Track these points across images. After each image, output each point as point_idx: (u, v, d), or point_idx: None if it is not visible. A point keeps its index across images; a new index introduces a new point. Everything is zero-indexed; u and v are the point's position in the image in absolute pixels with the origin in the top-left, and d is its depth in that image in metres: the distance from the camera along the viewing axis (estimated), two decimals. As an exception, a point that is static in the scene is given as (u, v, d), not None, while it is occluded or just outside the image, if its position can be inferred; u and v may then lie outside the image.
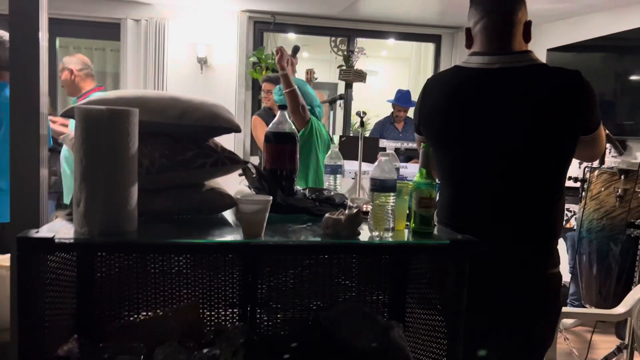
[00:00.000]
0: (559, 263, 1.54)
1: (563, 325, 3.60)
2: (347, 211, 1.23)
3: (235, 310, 1.58)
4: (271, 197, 1.21)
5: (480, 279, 1.48)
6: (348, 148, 3.61)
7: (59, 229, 1.18)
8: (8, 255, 1.64)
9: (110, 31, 5.11)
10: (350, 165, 4.27)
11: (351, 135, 5.54)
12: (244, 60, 5.27)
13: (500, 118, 1.45)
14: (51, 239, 1.08)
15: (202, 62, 5.14)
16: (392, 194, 1.23)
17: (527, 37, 1.54)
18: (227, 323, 1.58)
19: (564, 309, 2.13)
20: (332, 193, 1.55)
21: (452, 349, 1.33)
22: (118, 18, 5.02)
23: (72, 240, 1.10)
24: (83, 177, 1.11)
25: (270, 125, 1.52)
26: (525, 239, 1.49)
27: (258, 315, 1.60)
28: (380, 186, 1.23)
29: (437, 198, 1.58)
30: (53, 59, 4.96)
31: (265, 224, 1.20)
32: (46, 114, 1.42)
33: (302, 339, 1.49)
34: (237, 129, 1.40)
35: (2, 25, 2.64)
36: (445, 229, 1.39)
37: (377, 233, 1.23)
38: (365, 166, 3.39)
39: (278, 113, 1.52)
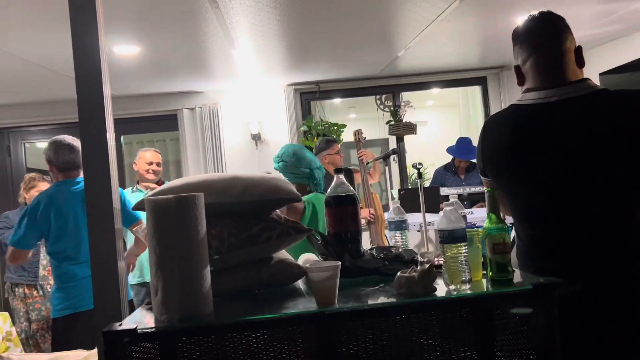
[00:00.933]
0: None
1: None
2: (419, 268, 1.20)
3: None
4: (339, 263, 1.20)
5: (581, 317, 1.40)
6: (408, 201, 3.57)
7: (140, 319, 1.21)
8: (95, 351, 1.69)
9: (169, 122, 5.43)
10: (413, 218, 4.20)
11: (409, 187, 5.50)
12: (295, 131, 5.42)
13: (567, 150, 1.40)
14: (134, 330, 1.10)
15: (256, 138, 5.34)
16: (463, 243, 1.20)
17: (580, 63, 1.50)
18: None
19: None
20: (399, 250, 1.52)
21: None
22: (174, 109, 5.34)
23: (153, 329, 1.12)
24: (158, 266, 1.15)
25: (329, 189, 1.53)
26: (613, 268, 1.39)
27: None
28: (449, 237, 1.20)
29: (514, 240, 1.52)
30: (120, 155, 5.29)
31: (337, 291, 1.18)
32: (119, 209, 1.51)
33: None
34: (297, 199, 1.43)
35: (71, 131, 2.89)
36: (525, 273, 1.33)
37: (453, 287, 1.19)
38: (429, 217, 3.32)
39: (335, 177, 1.54)
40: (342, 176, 1.54)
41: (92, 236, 1.45)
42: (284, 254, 1.50)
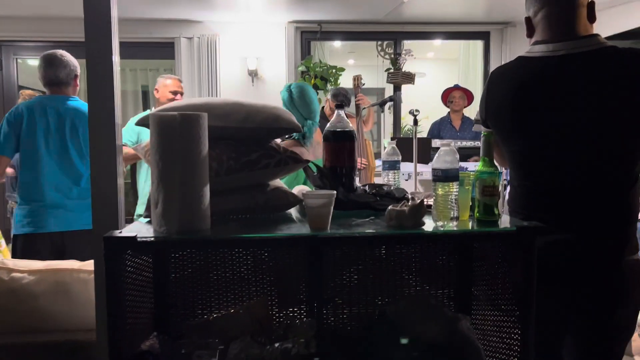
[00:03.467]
0: (637, 250, 1.50)
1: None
2: (409, 203, 1.25)
3: (302, 306, 1.63)
4: (335, 192, 1.24)
5: (556, 268, 1.47)
6: (400, 150, 3.62)
7: (139, 229, 1.26)
8: (91, 261, 1.75)
9: (164, 50, 5.34)
10: (404, 168, 4.26)
11: (402, 137, 5.53)
12: (293, 70, 5.37)
13: (573, 105, 1.43)
14: (134, 238, 1.15)
15: (253, 74, 5.28)
16: (454, 183, 1.24)
17: (591, 18, 1.51)
18: (295, 319, 1.62)
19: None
20: (391, 188, 1.57)
21: (524, 340, 1.31)
22: (172, 37, 5.24)
23: (152, 239, 1.17)
24: (160, 179, 1.18)
25: (328, 124, 1.56)
26: (602, 226, 1.46)
27: (324, 311, 1.63)
28: (442, 176, 1.24)
29: (507, 188, 1.57)
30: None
31: (330, 218, 1.23)
32: (120, 125, 1.53)
33: (369, 333, 1.51)
34: (298, 129, 1.45)
35: (74, 51, 2.82)
36: (511, 218, 1.39)
37: (441, 223, 1.25)
38: (420, 167, 3.37)
39: (335, 113, 1.56)
40: (342, 112, 1.56)
41: (93, 150, 1.48)
42: (280, 182, 1.54)
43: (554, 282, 1.50)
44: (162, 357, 1.39)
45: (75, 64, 2.72)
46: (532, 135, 1.51)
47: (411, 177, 3.36)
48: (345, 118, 1.56)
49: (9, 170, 2.88)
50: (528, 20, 1.58)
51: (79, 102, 2.71)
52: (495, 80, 1.61)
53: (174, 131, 1.17)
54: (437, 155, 1.27)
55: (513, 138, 1.57)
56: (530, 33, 1.57)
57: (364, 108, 4.11)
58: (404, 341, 1.39)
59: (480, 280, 1.59)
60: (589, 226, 1.47)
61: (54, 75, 2.64)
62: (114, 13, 1.47)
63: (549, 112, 1.47)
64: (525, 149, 1.55)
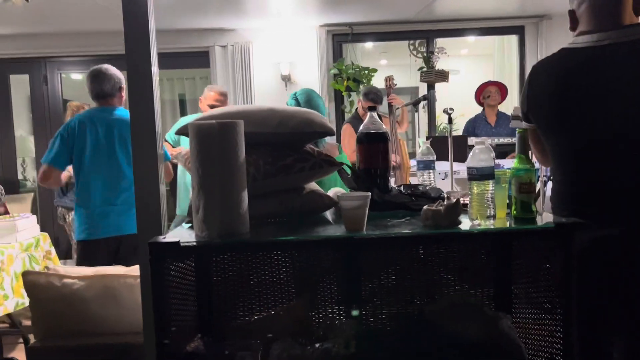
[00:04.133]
0: None
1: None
2: (445, 202, 1.26)
3: (341, 307, 1.65)
4: (370, 193, 1.26)
5: (605, 265, 1.45)
6: (436, 149, 3.59)
7: (182, 234, 1.31)
8: (136, 267, 1.82)
9: (200, 59, 5.46)
10: (440, 167, 4.21)
11: (437, 135, 5.48)
12: (325, 73, 5.40)
13: (619, 95, 1.40)
14: (177, 243, 1.20)
15: (286, 79, 5.34)
16: (490, 181, 1.24)
17: (637, 9, 1.48)
18: (335, 320, 1.65)
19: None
20: (427, 188, 1.58)
21: (566, 339, 1.29)
22: (206, 46, 5.36)
23: (194, 243, 1.21)
24: (200, 186, 1.23)
25: (361, 127, 1.58)
26: None
27: (363, 312, 1.65)
28: (478, 174, 1.24)
29: (547, 185, 1.54)
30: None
31: (366, 219, 1.25)
32: (161, 134, 1.58)
33: (408, 333, 1.52)
34: (331, 132, 1.48)
35: (117, 63, 2.93)
36: (550, 214, 1.37)
37: (477, 221, 1.24)
38: (456, 166, 3.34)
39: (367, 115, 1.58)
40: (375, 114, 1.57)
41: (136, 158, 1.53)
42: (315, 185, 1.57)
43: (603, 279, 1.47)
44: (207, 358, 1.44)
45: (120, 76, 2.84)
46: (577, 128, 1.48)
47: (447, 177, 3.33)
48: (378, 119, 1.58)
49: (64, 175, 3.01)
50: (572, 13, 1.56)
51: (125, 112, 2.83)
52: (537, 73, 1.59)
53: (212, 139, 1.21)
54: (471, 153, 1.27)
55: (556, 131, 1.54)
56: (574, 26, 1.55)
57: (397, 108, 4.10)
58: (443, 341, 1.39)
59: (520, 278, 1.57)
60: (636, 221, 1.43)
61: (100, 88, 2.78)
62: (152, 26, 1.53)
63: (594, 104, 1.44)
64: (569, 143, 1.52)
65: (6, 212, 4.00)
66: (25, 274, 1.75)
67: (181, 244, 1.20)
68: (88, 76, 2.82)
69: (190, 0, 4.28)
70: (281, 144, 1.47)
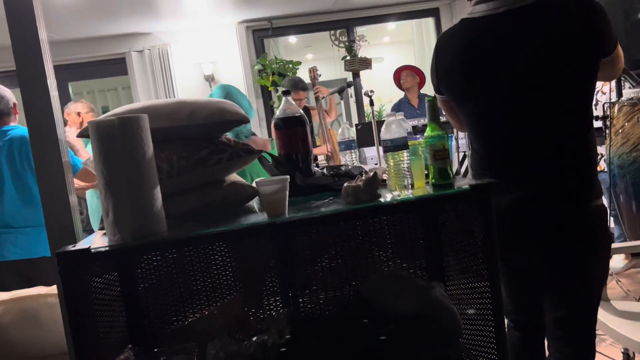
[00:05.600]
0: (601, 194, 1.52)
1: (614, 270, 3.52)
2: (364, 177, 1.25)
3: (277, 298, 1.62)
4: (288, 176, 1.23)
5: (525, 223, 1.49)
6: (365, 135, 3.61)
7: (94, 241, 1.23)
8: (54, 287, 1.71)
9: (117, 67, 5.25)
10: (369, 152, 4.26)
11: (365, 122, 5.54)
12: (249, 70, 5.34)
13: (520, 60, 1.44)
14: (87, 249, 1.12)
15: (210, 79, 5.23)
16: (404, 151, 1.25)
17: None
18: (272, 312, 1.61)
19: (613, 245, 2.09)
20: (349, 167, 1.57)
21: (494, 299, 1.32)
22: (122, 52, 5.16)
23: (107, 248, 1.14)
24: (107, 187, 1.16)
25: (277, 112, 1.55)
26: (565, 173, 1.48)
27: (300, 300, 1.63)
28: (392, 146, 1.24)
29: (470, 153, 1.56)
30: (67, 102, 5.11)
31: (287, 203, 1.22)
32: (65, 142, 1.49)
33: (346, 314, 1.51)
34: (244, 120, 1.44)
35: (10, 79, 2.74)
36: (466, 178, 1.40)
37: (396, 192, 1.25)
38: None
39: (283, 100, 1.55)
40: (289, 98, 1.55)
41: (39, 171, 1.43)
42: (236, 177, 1.52)
43: (525, 238, 1.52)
44: (139, 368, 1.37)
45: (10, 94, 2.66)
46: (485, 95, 1.52)
47: (374, 160, 3.37)
48: (294, 103, 1.55)
49: None
50: None
51: (22, 128, 2.64)
52: (442, 46, 1.62)
53: (113, 136, 1.14)
54: (383, 127, 1.27)
55: (466, 101, 1.57)
56: None
57: (323, 98, 4.10)
58: (379, 316, 1.39)
59: (448, 246, 1.60)
60: (552, 177, 1.48)
61: None
62: (42, 35, 1.42)
63: (498, 70, 1.48)
64: (479, 110, 1.56)
65: None
66: None
67: (92, 250, 1.13)
68: None
69: (101, 6, 4.10)
70: (195, 137, 1.41)
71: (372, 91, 2.56)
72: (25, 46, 1.39)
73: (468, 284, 1.49)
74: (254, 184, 1.53)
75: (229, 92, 2.58)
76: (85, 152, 3.04)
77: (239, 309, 1.58)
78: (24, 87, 1.42)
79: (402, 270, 1.62)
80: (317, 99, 4.10)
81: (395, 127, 1.24)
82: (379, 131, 2.98)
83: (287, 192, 1.22)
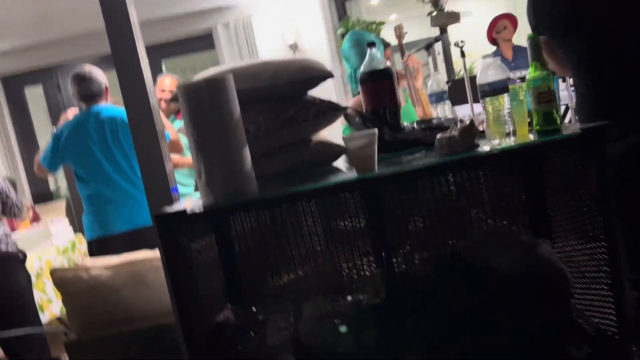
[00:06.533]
0: None
1: None
2: (459, 126, 1.16)
3: (370, 258, 1.58)
4: (376, 130, 1.18)
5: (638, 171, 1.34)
6: (456, 92, 3.43)
7: (189, 203, 1.26)
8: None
9: (204, 42, 5.40)
10: (460, 110, 4.04)
11: (456, 79, 5.29)
12: (332, 36, 5.26)
13: None
14: (183, 211, 1.15)
15: (294, 47, 5.21)
16: (504, 95, 1.14)
17: None
18: (365, 271, 1.59)
19: None
20: (441, 120, 1.48)
21: (612, 258, 1.19)
22: (209, 27, 5.28)
23: (201, 209, 1.16)
24: (198, 149, 1.17)
25: (362, 67, 1.48)
26: None
27: (394, 260, 1.58)
28: (489, 90, 1.14)
29: (574, 104, 1.43)
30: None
31: (375, 158, 1.17)
32: (158, 110, 1.53)
33: (442, 274, 1.44)
34: (329, 75, 1.39)
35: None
36: (575, 124, 1.26)
37: (496, 141, 1.15)
38: (477, 107, 3.19)
39: (367, 51, 1.48)
40: (374, 49, 1.48)
41: (137, 141, 1.49)
42: (323, 135, 1.49)
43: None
44: (238, 326, 1.40)
45: (102, 78, 2.78)
46: (589, 32, 1.36)
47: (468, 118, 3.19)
48: (378, 56, 1.48)
49: None
50: None
51: (113, 109, 2.77)
52: None
53: (202, 98, 1.15)
54: (479, 70, 1.16)
55: (571, 39, 1.42)
56: None
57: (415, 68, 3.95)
58: (479, 277, 1.31)
59: (555, 202, 1.47)
60: None
61: (89, 89, 2.72)
62: (133, 14, 1.45)
63: (602, 6, 1.32)
64: (586, 49, 1.40)
65: (36, 218, 4.08)
66: (53, 272, 1.75)
67: (188, 212, 1.15)
68: (73, 79, 2.75)
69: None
70: (280, 97, 1.39)
71: (462, 41, 2.39)
72: (118, 28, 1.43)
73: (579, 243, 1.36)
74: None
75: (358, 38, 2.60)
76: (170, 125, 3.13)
77: (333, 269, 1.57)
78: (119, 66, 1.46)
79: (504, 227, 1.51)
80: (406, 68, 3.95)
81: (493, 70, 1.14)
82: (472, 87, 2.81)
83: (376, 147, 1.17)
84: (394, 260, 1.58)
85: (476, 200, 1.52)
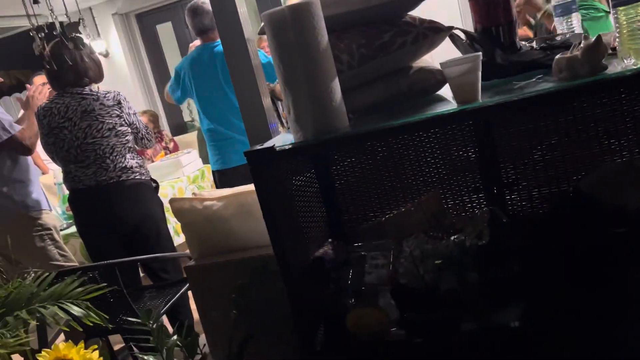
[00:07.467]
0: None
1: None
2: (583, 44, 0.97)
3: (481, 195, 1.46)
4: (480, 53, 1.02)
5: None
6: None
7: (281, 139, 1.23)
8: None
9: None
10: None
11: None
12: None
13: None
14: (272, 148, 1.12)
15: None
16: (643, 2, 0.91)
17: None
18: (475, 209, 1.47)
19: None
20: (567, 36, 1.26)
21: None
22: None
23: (290, 146, 1.12)
24: (286, 83, 1.12)
25: (472, -22, 1.29)
26: None
27: (508, 198, 1.44)
28: (624, -3, 0.92)
29: None
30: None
31: (479, 86, 1.03)
32: (254, 41, 1.50)
33: (562, 213, 1.29)
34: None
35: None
36: None
37: (631, 59, 0.94)
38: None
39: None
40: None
41: (234, 76, 1.49)
42: (424, 62, 1.35)
43: None
44: (337, 262, 1.39)
45: None
46: None
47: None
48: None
49: None
50: None
51: None
52: None
53: (286, 26, 1.08)
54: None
55: None
56: None
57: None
58: (604, 218, 1.14)
59: None
60: None
61: (202, 23, 2.76)
62: None
63: None
64: None
65: (175, 149, 4.42)
66: (172, 201, 1.86)
67: (277, 149, 1.12)
68: (188, 12, 2.80)
69: None
70: (374, 21, 1.27)
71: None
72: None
73: None
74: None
75: None
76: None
77: (437, 206, 1.48)
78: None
79: (636, 160, 1.29)
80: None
81: (629, -30, 0.91)
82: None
83: (479, 73, 1.02)
84: (508, 198, 1.44)
85: (607, 129, 1.31)
